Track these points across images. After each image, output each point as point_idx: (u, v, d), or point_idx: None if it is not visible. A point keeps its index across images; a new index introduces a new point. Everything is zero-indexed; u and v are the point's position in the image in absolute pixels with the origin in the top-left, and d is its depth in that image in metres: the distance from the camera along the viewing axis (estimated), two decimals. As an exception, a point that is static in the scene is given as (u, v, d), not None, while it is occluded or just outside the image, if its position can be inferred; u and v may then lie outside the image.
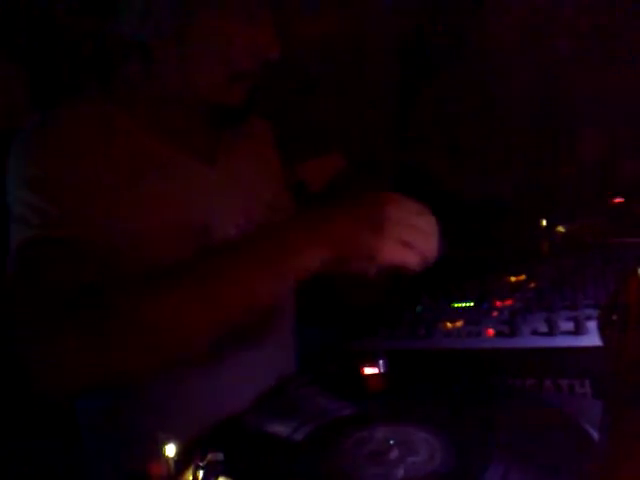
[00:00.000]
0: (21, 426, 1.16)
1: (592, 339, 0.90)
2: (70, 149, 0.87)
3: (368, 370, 0.88)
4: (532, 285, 1.21)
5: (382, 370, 0.88)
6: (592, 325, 0.91)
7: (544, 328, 0.97)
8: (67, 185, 0.86)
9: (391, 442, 0.72)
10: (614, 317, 0.66)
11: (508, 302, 1.13)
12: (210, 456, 0.64)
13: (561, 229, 1.44)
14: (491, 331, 1.01)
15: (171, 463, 0.64)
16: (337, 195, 1.42)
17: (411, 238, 0.76)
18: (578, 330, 0.94)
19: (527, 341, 0.96)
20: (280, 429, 0.78)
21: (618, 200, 1.56)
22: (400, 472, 0.68)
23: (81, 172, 0.86)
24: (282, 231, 0.80)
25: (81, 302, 0.78)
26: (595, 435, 0.68)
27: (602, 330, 0.67)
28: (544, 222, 1.47)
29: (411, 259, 0.77)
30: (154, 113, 0.95)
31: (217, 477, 0.64)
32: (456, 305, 1.18)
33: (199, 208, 0.96)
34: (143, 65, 0.94)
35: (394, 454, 0.71)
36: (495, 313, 1.09)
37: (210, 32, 0.90)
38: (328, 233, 0.77)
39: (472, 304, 1.16)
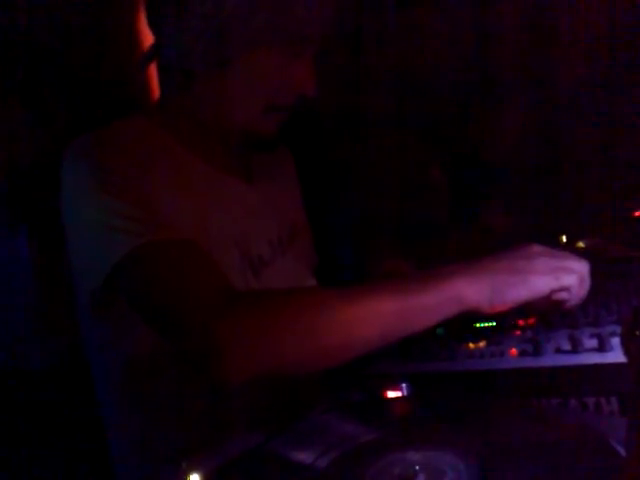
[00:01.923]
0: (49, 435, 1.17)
1: (617, 355, 0.89)
2: (136, 160, 0.91)
3: (391, 394, 0.88)
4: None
5: (405, 394, 0.88)
6: (616, 341, 0.90)
7: (568, 346, 0.96)
8: (150, 194, 0.88)
9: (416, 467, 0.71)
10: (637, 332, 0.65)
11: (531, 321, 1.12)
12: (234, 485, 0.64)
13: (581, 245, 1.43)
14: (514, 351, 1.00)
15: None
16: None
17: (568, 282, 0.86)
18: (602, 347, 0.93)
19: (551, 360, 0.95)
20: (303, 456, 0.77)
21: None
22: (426, 497, 0.67)
23: (152, 182, 0.89)
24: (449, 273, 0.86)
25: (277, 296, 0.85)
26: (623, 452, 0.67)
27: (625, 346, 0.67)
28: (564, 238, 1.46)
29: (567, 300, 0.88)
30: (194, 135, 0.99)
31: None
32: (478, 325, 1.17)
33: (241, 224, 1.00)
34: (185, 91, 0.97)
35: (420, 479, 0.70)
36: (518, 332, 1.08)
37: (252, 67, 0.94)
38: (486, 282, 0.84)
39: (494, 324, 1.15)
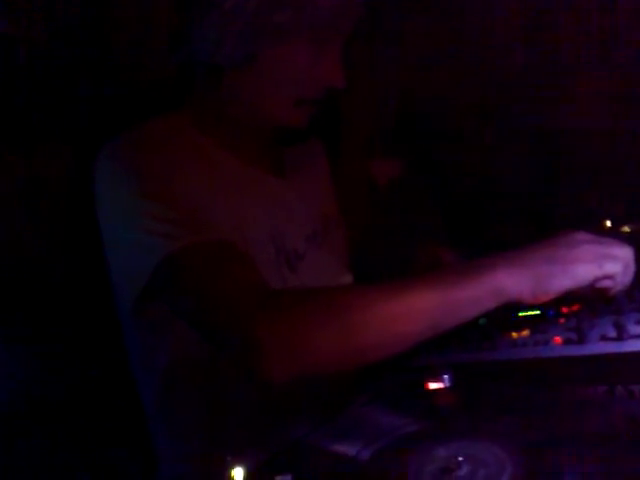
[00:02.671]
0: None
1: (664, 341, 0.87)
2: (170, 161, 0.91)
3: (433, 385, 0.87)
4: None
5: (447, 384, 0.87)
6: (663, 327, 0.88)
7: (613, 333, 0.94)
8: (185, 195, 0.89)
9: (460, 458, 0.71)
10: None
11: (575, 307, 1.10)
12: (278, 479, 0.65)
13: (626, 229, 1.40)
14: (559, 339, 0.99)
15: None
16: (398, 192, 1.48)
17: (612, 269, 0.85)
18: (649, 333, 0.91)
19: (596, 347, 0.93)
20: (346, 449, 0.77)
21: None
22: (470, 488, 0.67)
23: (187, 182, 0.90)
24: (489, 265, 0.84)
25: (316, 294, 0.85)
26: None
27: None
28: (608, 223, 1.43)
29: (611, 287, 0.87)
30: (225, 132, 0.99)
31: (286, 500, 0.64)
32: (521, 314, 1.15)
33: (275, 219, 1.00)
34: (215, 88, 0.98)
35: (463, 470, 0.69)
36: (562, 320, 1.06)
37: (280, 61, 0.95)
38: (528, 272, 0.83)
39: (538, 312, 1.13)
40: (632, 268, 0.90)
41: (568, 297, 1.02)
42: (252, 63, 0.94)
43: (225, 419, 0.97)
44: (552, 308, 1.12)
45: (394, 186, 1.61)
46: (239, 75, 0.96)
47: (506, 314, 1.16)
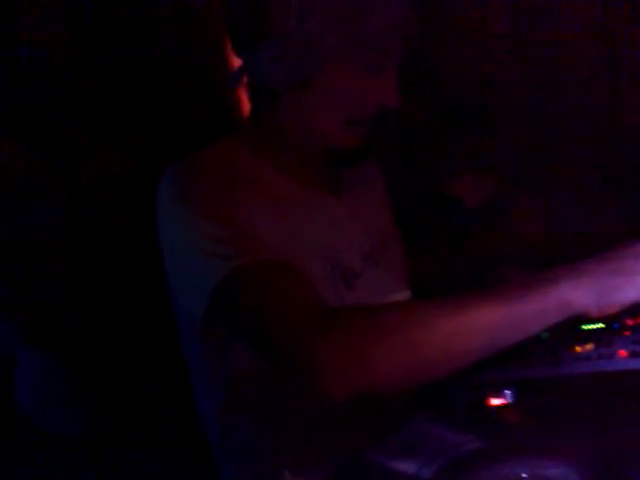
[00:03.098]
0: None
1: None
2: (226, 184, 0.93)
3: (495, 401, 0.86)
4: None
5: (510, 401, 0.86)
6: None
7: (681, 345, 0.91)
8: (239, 216, 0.90)
9: (524, 475, 0.70)
10: None
11: (640, 320, 1.07)
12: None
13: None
14: (624, 352, 0.96)
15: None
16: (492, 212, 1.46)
17: None
18: None
19: (664, 360, 0.90)
20: (407, 466, 0.77)
21: None
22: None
23: (242, 204, 0.91)
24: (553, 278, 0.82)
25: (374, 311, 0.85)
26: None
27: None
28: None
29: None
30: (280, 153, 1.01)
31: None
32: (585, 327, 1.12)
33: (331, 238, 1.01)
34: (269, 111, 1.00)
35: (527, 488, 0.68)
36: (627, 333, 1.03)
37: (334, 84, 0.96)
38: (592, 285, 0.81)
39: (602, 325, 1.10)
40: None
41: (634, 308, 1.00)
42: (306, 86, 0.95)
43: (285, 435, 0.98)
44: (617, 321, 1.09)
45: (486, 207, 1.54)
46: (293, 98, 0.98)
47: (569, 328, 1.14)
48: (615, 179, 1.63)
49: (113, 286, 1.21)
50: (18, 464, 1.15)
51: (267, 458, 0.97)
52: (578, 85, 1.60)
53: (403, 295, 1.13)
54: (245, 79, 1.03)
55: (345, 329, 0.80)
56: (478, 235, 1.47)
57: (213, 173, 0.95)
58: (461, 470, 0.75)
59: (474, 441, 0.81)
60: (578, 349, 1.02)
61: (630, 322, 1.06)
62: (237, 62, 1.03)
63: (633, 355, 0.94)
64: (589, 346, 1.02)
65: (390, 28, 0.93)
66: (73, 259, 1.20)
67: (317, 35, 0.91)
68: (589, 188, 1.63)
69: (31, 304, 1.16)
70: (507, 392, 0.86)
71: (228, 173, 0.96)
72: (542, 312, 0.80)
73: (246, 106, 1.37)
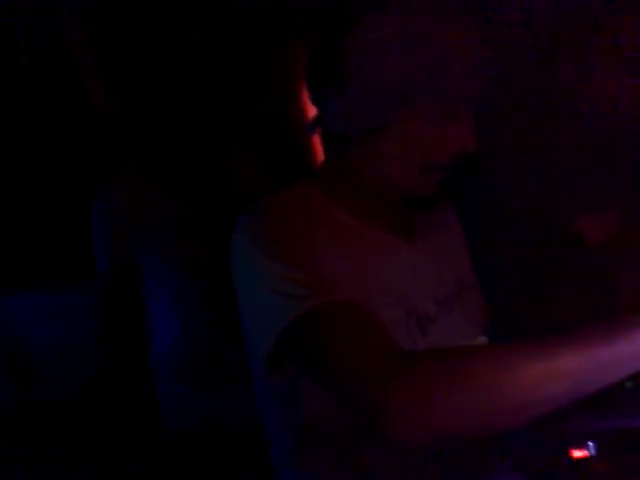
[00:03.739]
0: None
1: None
2: (300, 226, 0.95)
3: (577, 453, 0.84)
4: None
5: (593, 453, 0.84)
6: None
7: None
8: (312, 257, 0.91)
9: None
10: None
11: None
12: None
13: None
14: None
15: None
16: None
17: None
18: None
19: None
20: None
21: None
22: None
23: (316, 247, 0.93)
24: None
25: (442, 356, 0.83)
26: None
27: None
28: None
29: None
30: (353, 198, 1.02)
31: None
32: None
33: (404, 282, 1.01)
34: (344, 156, 1.02)
35: None
36: None
37: (407, 129, 0.95)
38: None
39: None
40: None
41: None
42: (380, 132, 0.96)
43: (359, 475, 0.98)
44: None
45: (609, 245, 1.52)
46: (367, 144, 0.99)
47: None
48: None
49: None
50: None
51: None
52: None
53: (479, 341, 1.11)
54: (319, 125, 1.05)
55: (421, 374, 0.80)
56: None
57: (287, 215, 0.97)
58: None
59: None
60: (664, 399, 0.99)
61: None
62: (312, 109, 1.06)
63: None
64: (676, 396, 0.99)
65: (467, 77, 0.93)
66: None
67: (392, 83, 0.92)
68: None
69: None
70: (590, 444, 0.85)
71: (302, 216, 0.98)
72: (627, 358, 0.78)
73: (320, 151, 1.40)
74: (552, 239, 1.49)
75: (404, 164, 0.98)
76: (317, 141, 1.50)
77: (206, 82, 1.43)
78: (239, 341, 1.04)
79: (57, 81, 1.56)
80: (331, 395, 0.88)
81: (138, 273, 1.43)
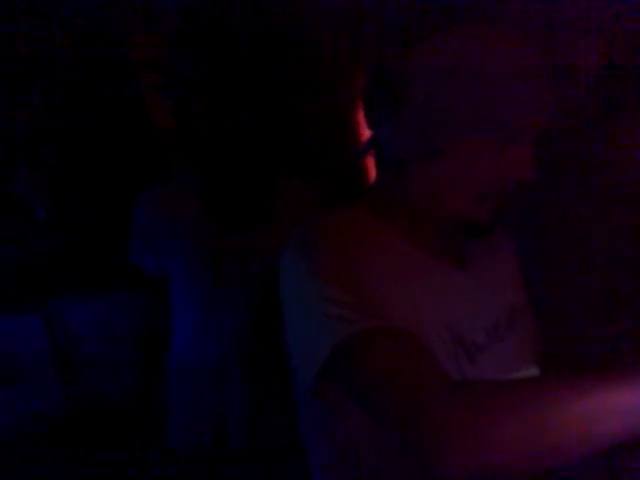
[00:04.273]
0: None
1: None
2: (350, 248, 0.94)
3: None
4: None
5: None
6: None
7: None
8: (363, 281, 0.90)
9: None
10: None
11: None
12: None
13: None
14: None
15: None
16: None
17: None
18: None
19: None
20: None
21: None
22: None
23: (366, 270, 0.92)
24: None
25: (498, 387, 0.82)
26: None
27: None
28: None
29: None
30: (405, 222, 1.00)
31: None
32: None
33: (453, 309, 0.98)
34: (397, 180, 1.00)
35: None
36: None
37: (463, 156, 0.93)
38: None
39: None
40: None
41: None
42: (436, 157, 0.94)
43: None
44: None
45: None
46: (422, 168, 0.96)
47: None
48: None
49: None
50: None
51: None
52: None
53: (530, 372, 1.08)
54: (373, 147, 1.04)
55: (471, 404, 0.78)
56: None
57: (339, 237, 0.96)
58: None
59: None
60: None
61: None
62: (366, 131, 1.06)
63: None
64: None
65: (531, 103, 0.90)
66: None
67: (452, 109, 0.90)
68: None
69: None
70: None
71: (352, 238, 0.96)
72: None
73: (372, 172, 1.39)
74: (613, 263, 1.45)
75: (460, 190, 0.95)
76: (371, 163, 1.50)
77: (267, 107, 1.45)
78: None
79: (123, 96, 1.61)
80: (374, 418, 0.86)
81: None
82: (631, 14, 1.39)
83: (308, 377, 0.92)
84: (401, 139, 0.95)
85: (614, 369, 0.80)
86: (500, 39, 0.91)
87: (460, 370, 0.96)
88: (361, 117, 1.11)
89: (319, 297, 0.90)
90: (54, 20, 1.48)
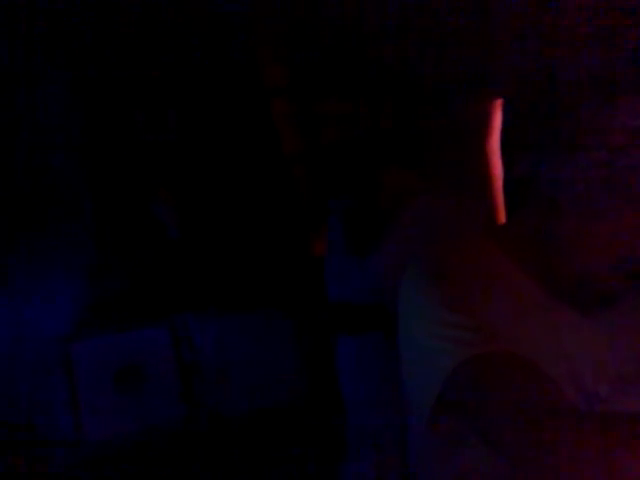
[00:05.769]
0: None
1: None
2: (472, 275, 0.94)
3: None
4: None
5: None
6: None
7: None
8: (482, 307, 0.91)
9: None
10: None
11: None
12: None
13: None
14: None
15: None
16: None
17: None
18: None
19: None
20: None
21: None
22: None
23: (486, 297, 0.92)
24: None
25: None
26: None
27: None
28: None
29: None
30: (532, 260, 0.99)
31: None
32: None
33: (573, 358, 0.96)
34: (537, 223, 1.00)
35: None
36: None
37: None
38: None
39: None
40: None
41: None
42: None
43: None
44: None
45: None
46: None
47: None
48: None
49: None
50: None
51: None
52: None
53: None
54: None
55: (604, 438, 0.75)
56: None
57: (462, 265, 0.96)
58: None
59: None
60: None
61: None
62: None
63: None
64: None
65: None
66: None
67: None
68: None
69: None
70: None
71: (475, 265, 0.96)
72: None
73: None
74: None
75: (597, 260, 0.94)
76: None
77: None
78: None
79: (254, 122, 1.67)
80: (489, 448, 0.84)
81: None
82: None
83: (424, 403, 0.91)
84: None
85: None
86: None
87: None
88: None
89: (441, 322, 0.90)
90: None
